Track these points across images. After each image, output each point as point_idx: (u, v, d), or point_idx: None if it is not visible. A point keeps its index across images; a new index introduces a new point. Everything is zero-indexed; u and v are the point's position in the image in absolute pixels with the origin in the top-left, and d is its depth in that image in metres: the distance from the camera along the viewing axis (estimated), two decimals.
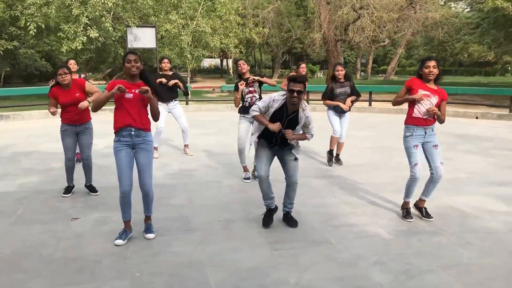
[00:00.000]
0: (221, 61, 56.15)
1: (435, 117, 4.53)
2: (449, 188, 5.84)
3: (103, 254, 3.85)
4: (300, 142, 4.64)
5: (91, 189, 5.64)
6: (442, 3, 27.87)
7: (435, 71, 4.46)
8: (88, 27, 16.03)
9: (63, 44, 16.22)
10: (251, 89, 6.13)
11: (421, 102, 4.47)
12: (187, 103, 16.54)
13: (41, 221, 4.66)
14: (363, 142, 9.21)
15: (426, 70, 4.45)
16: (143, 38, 17.61)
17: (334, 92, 6.97)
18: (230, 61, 50.01)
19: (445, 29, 24.95)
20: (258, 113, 4.31)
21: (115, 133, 4.03)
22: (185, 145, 8.16)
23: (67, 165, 5.54)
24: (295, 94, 4.12)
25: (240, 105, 6.24)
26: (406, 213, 4.77)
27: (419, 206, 4.83)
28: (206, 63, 60.40)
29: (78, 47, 16.10)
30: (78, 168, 6.06)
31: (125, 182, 3.99)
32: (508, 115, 13.33)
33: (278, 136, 4.35)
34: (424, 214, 4.75)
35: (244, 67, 6.19)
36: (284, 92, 4.26)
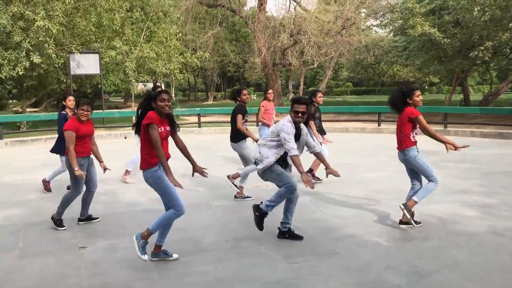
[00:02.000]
0: (155, 85, 55.59)
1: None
2: None
3: (131, 279, 3.93)
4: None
5: (91, 218, 5.66)
6: (364, 27, 29.85)
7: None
8: (31, 53, 15.54)
9: (2, 71, 15.61)
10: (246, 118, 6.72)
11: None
12: None
13: (49, 252, 4.61)
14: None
15: (418, 98, 5.12)
16: (86, 64, 17.50)
17: (315, 115, 7.53)
18: (163, 85, 49.66)
19: (376, 52, 26.79)
20: (297, 153, 4.62)
21: (154, 163, 4.13)
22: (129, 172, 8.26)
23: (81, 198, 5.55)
24: (300, 114, 4.64)
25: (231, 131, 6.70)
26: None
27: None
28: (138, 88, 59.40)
29: (20, 72, 15.53)
30: (55, 199, 5.98)
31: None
32: (443, 130, 14.58)
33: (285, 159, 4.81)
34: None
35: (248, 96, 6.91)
36: (287, 118, 4.69)
